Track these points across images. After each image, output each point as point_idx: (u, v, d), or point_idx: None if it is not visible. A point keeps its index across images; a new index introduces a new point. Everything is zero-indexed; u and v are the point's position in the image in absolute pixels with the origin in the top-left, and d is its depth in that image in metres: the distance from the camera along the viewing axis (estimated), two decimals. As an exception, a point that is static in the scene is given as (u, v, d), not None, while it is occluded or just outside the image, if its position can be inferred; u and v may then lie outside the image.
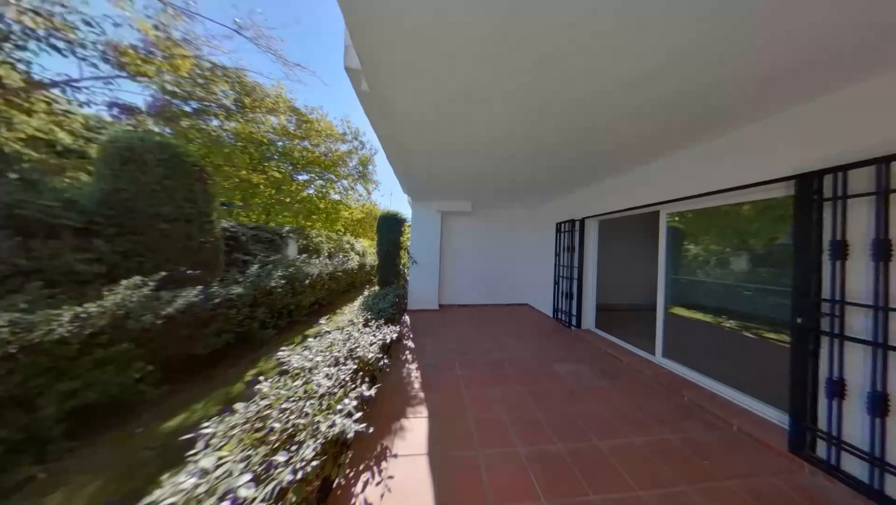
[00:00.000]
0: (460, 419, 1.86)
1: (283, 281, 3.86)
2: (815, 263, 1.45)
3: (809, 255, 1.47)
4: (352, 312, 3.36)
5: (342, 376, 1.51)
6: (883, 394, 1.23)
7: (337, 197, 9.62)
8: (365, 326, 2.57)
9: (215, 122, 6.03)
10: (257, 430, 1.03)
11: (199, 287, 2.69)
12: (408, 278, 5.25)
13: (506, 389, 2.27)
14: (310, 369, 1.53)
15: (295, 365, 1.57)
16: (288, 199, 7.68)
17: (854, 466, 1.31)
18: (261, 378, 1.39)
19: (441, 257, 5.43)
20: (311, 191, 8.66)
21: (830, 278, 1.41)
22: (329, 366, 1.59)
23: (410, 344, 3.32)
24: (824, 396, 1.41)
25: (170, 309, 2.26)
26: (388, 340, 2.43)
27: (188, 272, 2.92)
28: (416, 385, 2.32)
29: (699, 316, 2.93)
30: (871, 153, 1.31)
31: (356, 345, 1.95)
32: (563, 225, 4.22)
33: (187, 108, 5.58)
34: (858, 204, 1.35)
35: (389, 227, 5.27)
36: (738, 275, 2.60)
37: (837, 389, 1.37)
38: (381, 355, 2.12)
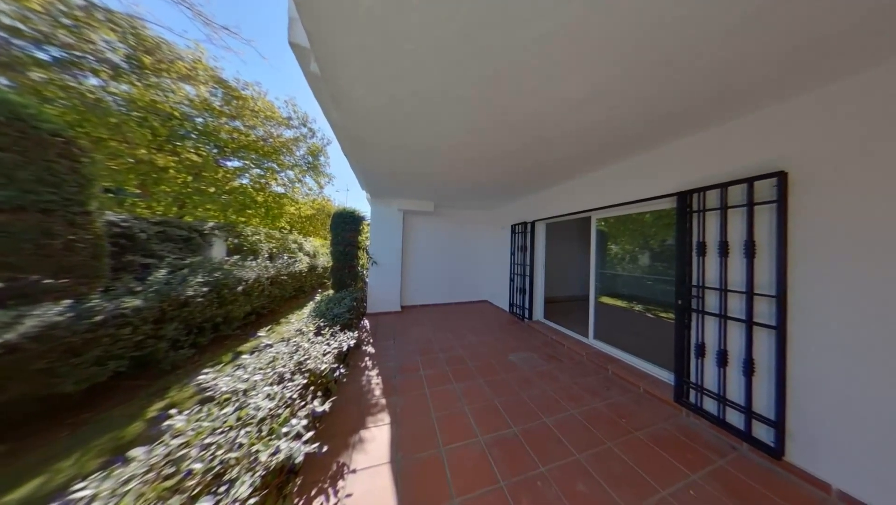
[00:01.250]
0: (424, 420, 1.85)
1: (204, 288, 3.17)
2: (689, 258, 1.95)
3: (685, 252, 1.97)
4: (301, 320, 3.00)
5: (289, 394, 1.33)
6: (724, 351, 1.74)
7: (280, 189, 8.41)
8: (317, 334, 2.33)
9: (94, 81, 4.52)
10: (167, 477, 0.83)
11: (68, 302, 2.00)
12: (367, 280, 4.96)
13: (467, 383, 2.36)
14: (245, 391, 1.31)
15: (224, 389, 1.31)
16: (213, 189, 6.33)
17: (710, 405, 1.81)
18: (172, 411, 1.12)
19: (403, 257, 5.30)
20: (245, 181, 7.35)
21: (697, 270, 1.92)
22: (272, 384, 1.39)
23: (370, 349, 3.14)
24: (693, 357, 1.91)
25: (8, 336, 1.61)
26: (345, 348, 2.26)
27: (45, 281, 2.13)
28: (377, 392, 2.21)
29: (618, 303, 3.60)
30: (717, 180, 1.83)
31: (306, 357, 1.75)
32: (517, 227, 4.62)
33: (42, 56, 4.03)
34: (711, 215, 1.87)
35: (346, 225, 4.88)
36: (643, 269, 3.29)
37: (700, 350, 1.87)
38: (336, 365, 1.96)
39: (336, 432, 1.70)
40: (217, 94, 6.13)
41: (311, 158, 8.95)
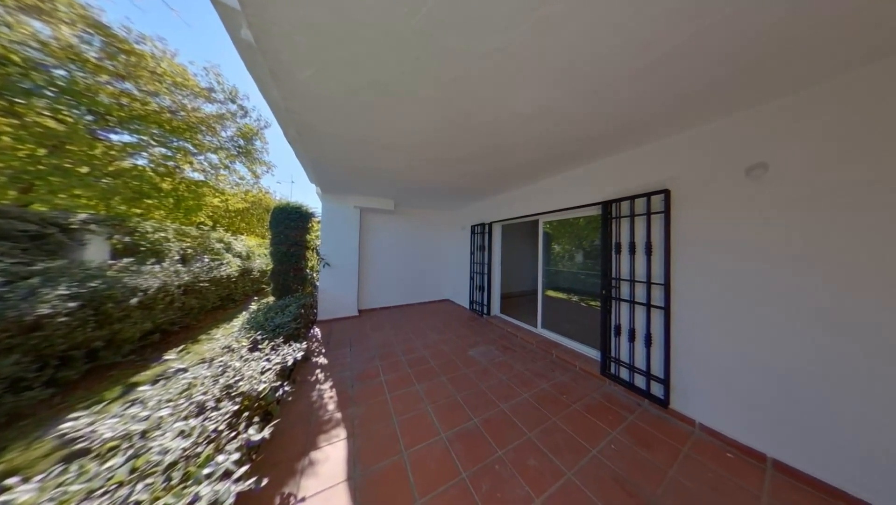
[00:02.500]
0: (385, 427, 1.78)
1: (71, 304, 2.36)
2: (609, 256, 2.39)
3: (607, 251, 2.40)
4: (230, 335, 2.51)
5: (212, 427, 1.10)
6: (633, 329, 2.19)
7: (198, 176, 6.86)
8: (253, 350, 1.99)
9: None
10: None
11: None
12: (318, 284, 4.47)
13: (430, 382, 2.37)
14: (144, 433, 1.02)
15: (108, 435, 1.00)
16: (85, 170, 4.73)
17: (624, 374, 2.26)
18: (10, 481, 0.79)
19: (361, 258, 4.97)
20: (142, 162, 5.73)
21: (615, 265, 2.36)
22: (187, 418, 1.12)
23: (323, 360, 2.85)
24: (613, 336, 2.35)
25: None
26: (290, 363, 1.99)
27: None
28: (331, 406, 2.02)
29: (560, 295, 4.15)
30: (629, 193, 2.29)
31: (237, 378, 1.48)
32: (476, 227, 4.86)
33: None
34: (624, 221, 2.32)
35: (290, 222, 4.29)
36: (578, 265, 3.85)
37: (617, 330, 2.31)
38: (279, 384, 1.71)
39: (280, 460, 1.49)
40: (93, 42, 4.60)
41: (242, 142, 7.57)
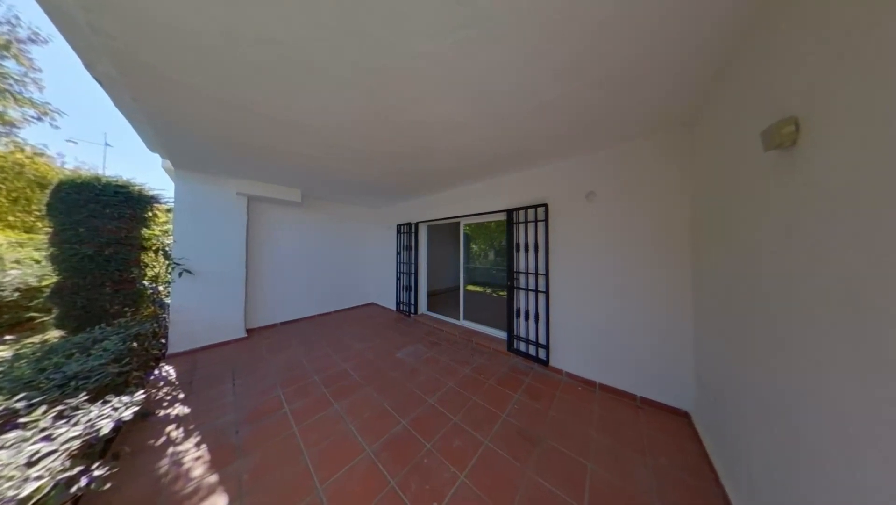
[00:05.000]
0: (292, 467, 1.45)
1: None
2: (512, 253, 2.95)
3: (511, 250, 2.96)
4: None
5: None
6: (528, 310, 2.81)
7: None
8: (5, 429, 1.15)
9: None
10: None
11: None
12: (168, 301, 3.08)
13: (352, 398, 2.13)
14: None
15: None
16: None
17: (523, 347, 2.86)
18: None
19: (251, 261, 3.82)
20: None
21: (516, 261, 2.94)
22: None
23: (181, 410, 1.99)
24: (515, 318, 2.92)
25: None
26: (105, 431, 1.27)
27: None
28: (199, 471, 1.45)
29: (478, 289, 4.75)
30: (525, 203, 2.90)
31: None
32: (402, 227, 4.78)
33: None
34: (522, 226, 2.93)
35: (105, 208, 2.74)
36: (492, 262, 4.52)
37: (518, 313, 2.89)
38: (79, 471, 1.07)
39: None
40: None
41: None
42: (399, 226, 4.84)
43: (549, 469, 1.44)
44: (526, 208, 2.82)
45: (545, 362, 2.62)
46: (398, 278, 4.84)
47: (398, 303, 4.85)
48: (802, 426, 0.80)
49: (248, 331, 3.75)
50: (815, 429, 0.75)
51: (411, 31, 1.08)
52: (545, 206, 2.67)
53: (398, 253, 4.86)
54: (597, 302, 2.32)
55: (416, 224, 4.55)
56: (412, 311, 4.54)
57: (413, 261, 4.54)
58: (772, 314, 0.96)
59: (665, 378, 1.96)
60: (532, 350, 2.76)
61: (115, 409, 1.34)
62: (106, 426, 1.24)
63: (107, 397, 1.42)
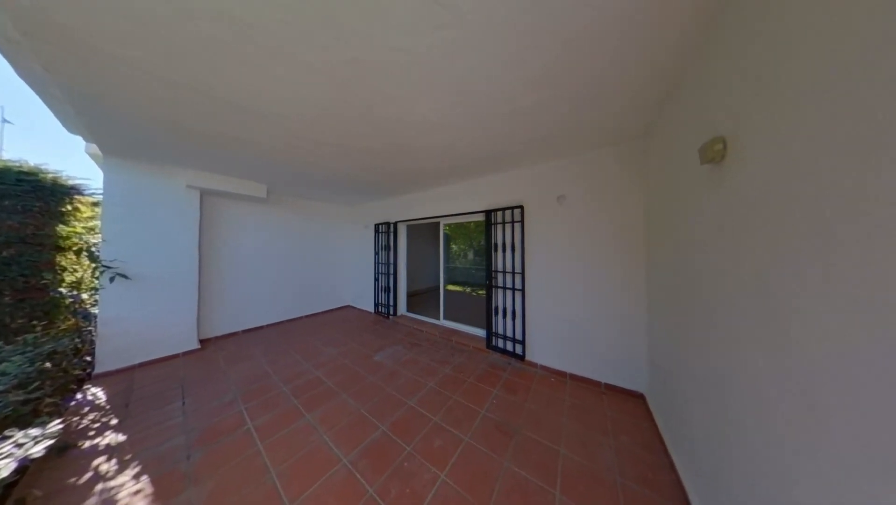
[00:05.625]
0: (255, 490, 1.33)
1: None
2: (491, 253, 3.04)
3: (490, 250, 3.04)
4: None
5: None
6: (504, 307, 2.91)
7: None
8: None
9: None
10: None
11: None
12: (94, 312, 2.61)
13: (326, 406, 2.01)
14: None
15: None
16: None
17: (501, 343, 2.95)
18: None
19: (207, 264, 3.41)
20: None
21: (495, 261, 3.03)
22: None
23: (114, 438, 1.70)
24: (494, 316, 3.01)
25: None
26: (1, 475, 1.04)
27: None
28: (138, 505, 1.25)
29: (458, 288, 4.80)
30: (503, 204, 3.00)
31: None
32: (380, 226, 4.64)
33: None
34: (500, 226, 3.03)
35: (2, 199, 2.22)
36: (471, 261, 4.59)
37: (496, 311, 2.99)
38: None
39: None
40: None
41: None
42: (377, 225, 4.69)
43: (525, 458, 1.51)
44: (503, 209, 2.93)
45: (522, 357, 2.74)
46: (376, 279, 4.69)
47: (376, 305, 4.69)
48: (729, 397, 0.95)
49: (203, 341, 3.33)
50: (738, 399, 0.90)
51: (389, 25, 1.05)
52: (521, 207, 2.79)
53: (376, 253, 4.71)
54: (567, 298, 2.49)
55: (395, 224, 4.45)
56: (391, 312, 4.43)
57: (392, 261, 4.44)
58: (705, 302, 1.12)
59: (624, 364, 2.17)
60: (510, 346, 2.87)
61: (19, 445, 1.09)
62: (5, 468, 1.01)
63: (6, 432, 1.16)
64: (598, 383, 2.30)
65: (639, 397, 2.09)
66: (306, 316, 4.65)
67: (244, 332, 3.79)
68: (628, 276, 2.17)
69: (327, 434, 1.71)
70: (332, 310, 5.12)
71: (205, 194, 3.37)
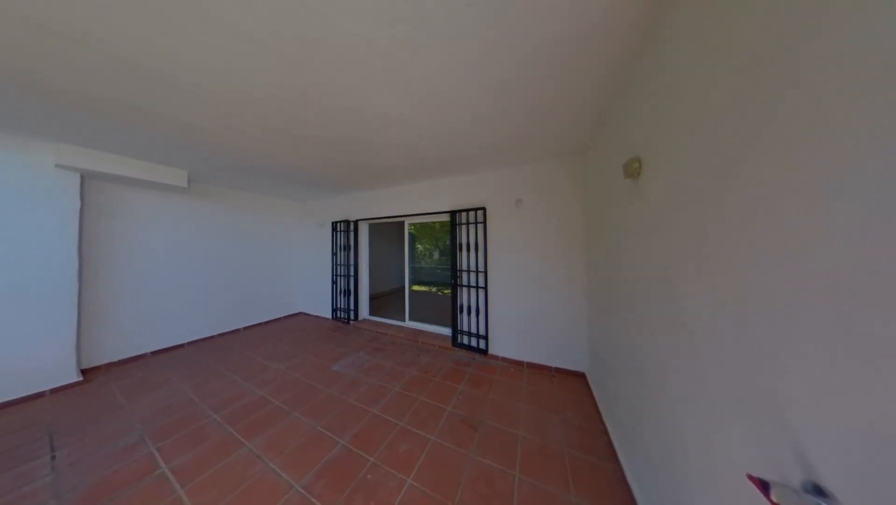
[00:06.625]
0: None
1: None
2: (456, 253, 3.11)
3: (455, 249, 3.11)
4: None
5: None
6: (469, 305, 3.02)
7: None
8: None
9: None
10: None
11: None
12: None
13: (273, 429, 1.77)
14: None
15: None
16: None
17: (466, 340, 3.05)
18: None
19: (94, 270, 2.62)
20: None
21: (459, 260, 3.11)
22: None
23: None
24: (459, 314, 3.09)
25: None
26: None
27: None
28: None
29: (424, 288, 4.77)
30: (467, 206, 3.10)
31: None
32: (339, 224, 4.29)
33: None
34: (464, 227, 3.13)
35: None
36: (437, 261, 4.61)
37: (461, 309, 3.07)
38: None
39: None
40: None
41: None
42: (335, 223, 4.32)
43: (488, 447, 1.59)
44: (468, 210, 3.03)
45: (485, 352, 2.89)
46: (334, 282, 4.32)
47: (335, 310, 4.33)
48: (645, 372, 1.17)
49: (88, 371, 2.56)
50: (652, 374, 1.12)
51: (346, 7, 0.98)
52: (483, 209, 2.93)
53: (334, 254, 4.33)
54: (524, 293, 2.72)
55: (356, 222, 4.17)
56: (352, 317, 4.14)
57: (353, 262, 4.15)
58: (627, 293, 1.36)
59: (570, 348, 2.49)
60: (474, 342, 2.98)
61: None
62: None
63: None
64: (549, 368, 2.57)
65: (581, 376, 2.42)
66: (247, 328, 3.99)
67: (156, 353, 3.05)
68: (572, 272, 2.49)
69: (274, 461, 1.50)
70: (280, 319, 4.51)
71: (89, 178, 2.59)
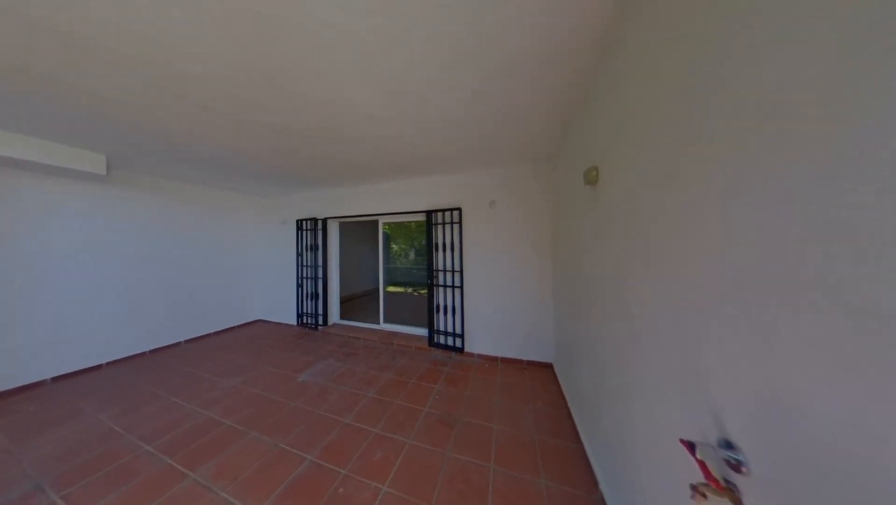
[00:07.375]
0: None
1: None
2: (432, 253, 3.10)
3: (431, 249, 3.10)
4: None
5: None
6: (445, 305, 3.04)
7: None
8: None
9: None
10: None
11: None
12: None
13: (226, 453, 1.56)
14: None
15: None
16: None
17: (443, 340, 3.07)
18: None
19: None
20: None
21: (435, 260, 3.11)
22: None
23: None
24: (435, 314, 3.09)
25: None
26: None
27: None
28: None
29: (400, 289, 4.66)
30: (443, 206, 3.11)
31: None
32: (305, 223, 3.97)
33: None
34: (440, 227, 3.13)
35: None
36: (413, 261, 4.54)
37: (438, 309, 3.08)
38: None
39: None
40: None
41: None
42: (300, 221, 3.98)
43: (465, 443, 1.62)
44: (443, 210, 3.04)
45: (461, 350, 2.93)
46: (300, 285, 3.98)
47: (300, 315, 3.99)
48: (600, 354, 1.31)
49: (-50, 409, 1.96)
50: (607, 360, 1.25)
51: (313, -10, 0.91)
52: (459, 209, 2.98)
53: (299, 254, 3.99)
54: (496, 291, 2.84)
55: (325, 220, 3.90)
56: (320, 322, 3.86)
57: (321, 263, 3.87)
58: (586, 289, 1.51)
59: (538, 341, 2.66)
60: (451, 341, 3.01)
61: None
62: None
63: None
64: (521, 361, 2.72)
65: (549, 367, 2.61)
66: (189, 341, 3.45)
67: (58, 379, 2.46)
68: (541, 270, 2.67)
69: (227, 489, 1.33)
70: (233, 328, 4.00)
71: (-47, 158, 1.98)
